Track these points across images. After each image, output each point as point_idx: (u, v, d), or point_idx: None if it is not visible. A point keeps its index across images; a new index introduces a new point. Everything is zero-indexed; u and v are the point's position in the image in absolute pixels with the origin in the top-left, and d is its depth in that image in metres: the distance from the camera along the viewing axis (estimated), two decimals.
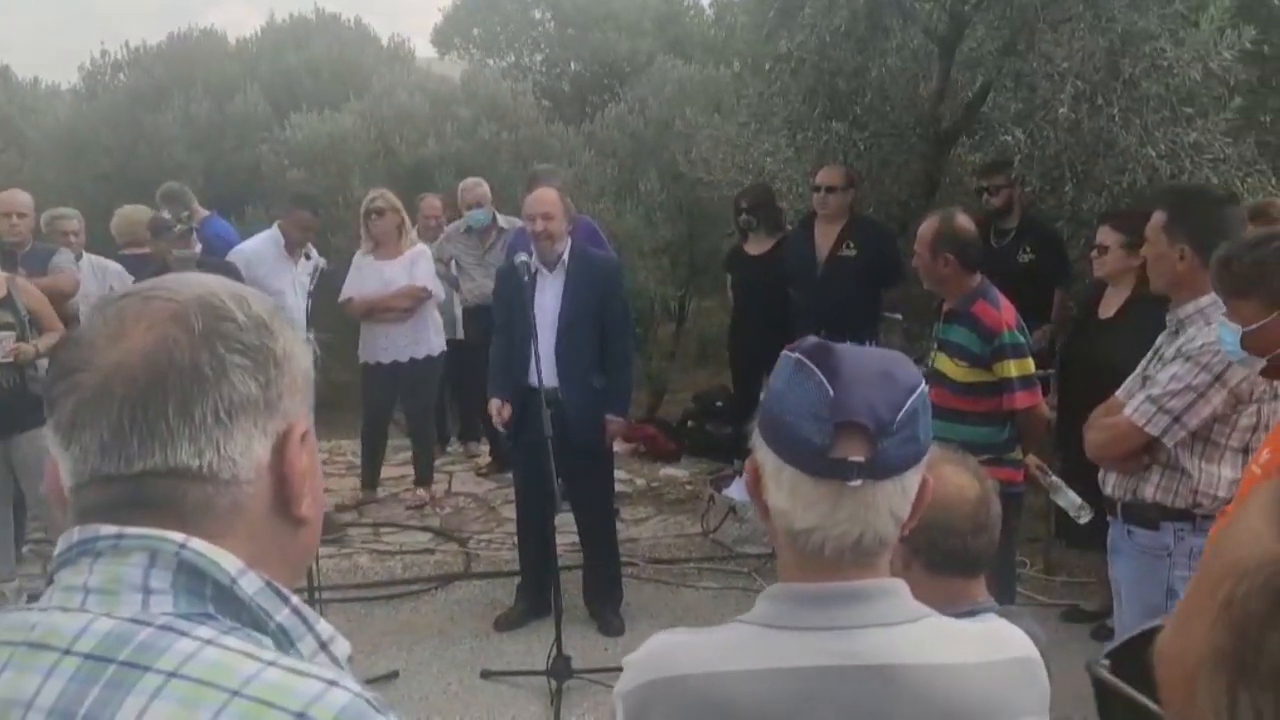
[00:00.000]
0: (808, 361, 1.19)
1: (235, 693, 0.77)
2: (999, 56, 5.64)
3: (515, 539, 5.14)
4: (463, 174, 7.39)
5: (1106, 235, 4.28)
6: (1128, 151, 4.90)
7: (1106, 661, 0.63)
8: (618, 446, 5.43)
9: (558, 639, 4.12)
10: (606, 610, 4.80)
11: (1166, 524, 2.92)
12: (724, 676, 1.19)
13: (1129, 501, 3.02)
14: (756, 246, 6.17)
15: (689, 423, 7.22)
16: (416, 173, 8.39)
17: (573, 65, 10.84)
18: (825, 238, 5.60)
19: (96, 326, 0.87)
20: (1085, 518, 3.46)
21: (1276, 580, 0.47)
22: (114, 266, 5.91)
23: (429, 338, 6.17)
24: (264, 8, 23.75)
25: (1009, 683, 1.22)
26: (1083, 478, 3.41)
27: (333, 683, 0.81)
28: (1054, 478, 3.59)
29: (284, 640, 0.85)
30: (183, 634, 0.80)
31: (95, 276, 5.77)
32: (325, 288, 6.07)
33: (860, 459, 1.14)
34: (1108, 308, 4.36)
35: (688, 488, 6.61)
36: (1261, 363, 2.57)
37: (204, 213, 6.54)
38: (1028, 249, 5.31)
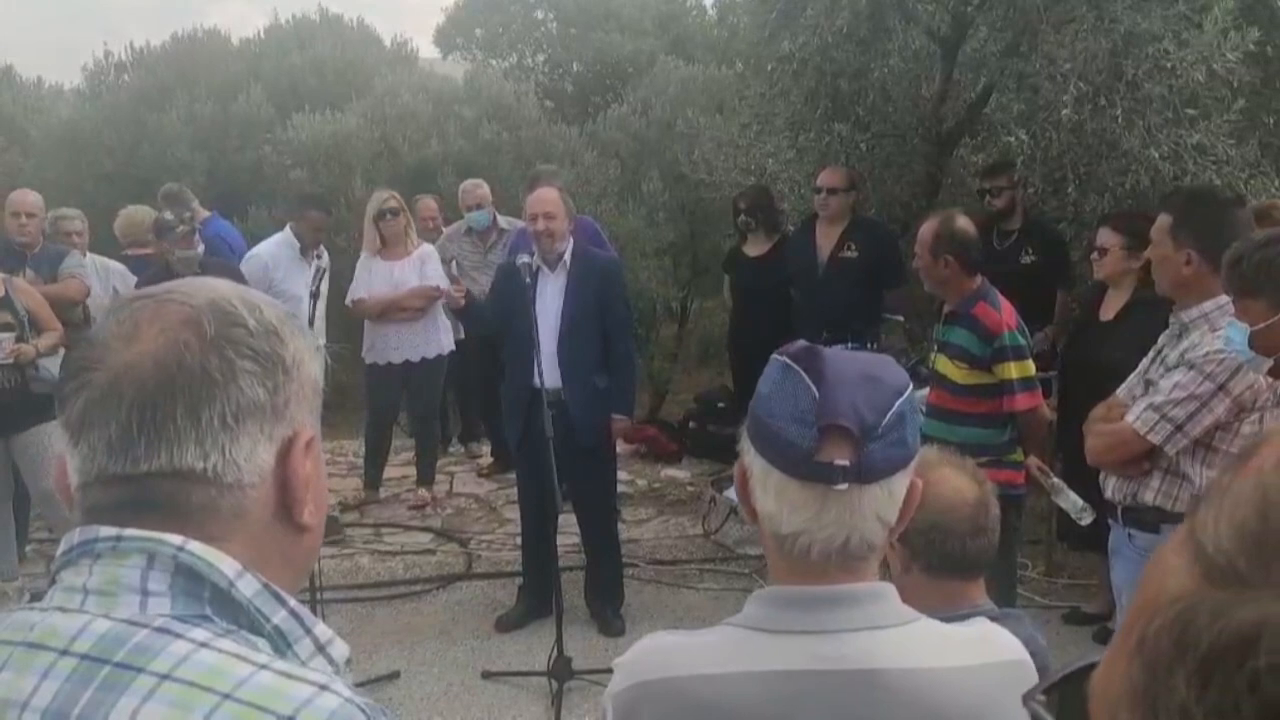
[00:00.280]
0: (794, 365, 1.19)
1: (227, 696, 0.78)
2: (1001, 58, 5.63)
3: (517, 540, 5.14)
4: (465, 174, 7.40)
5: (1106, 237, 4.27)
6: (1130, 153, 4.89)
7: (1043, 697, 0.62)
8: (619, 447, 5.44)
9: (559, 640, 4.12)
10: (608, 611, 4.80)
11: (1167, 527, 2.92)
12: (712, 679, 1.19)
13: (1129, 505, 3.02)
14: (755, 248, 6.17)
15: (690, 424, 7.22)
16: (419, 173, 8.39)
17: (575, 66, 10.83)
18: (826, 239, 5.60)
19: (110, 327, 0.88)
20: (1087, 519, 3.46)
21: (1185, 617, 0.46)
22: (116, 267, 5.92)
23: (438, 337, 6.18)
24: (266, 8, 23.82)
25: (998, 686, 1.22)
26: (1084, 479, 3.41)
27: (324, 687, 0.81)
28: (1055, 479, 3.59)
29: (280, 642, 0.86)
30: (178, 636, 0.81)
31: (99, 277, 5.78)
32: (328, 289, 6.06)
33: (845, 462, 1.13)
34: (1108, 310, 4.36)
35: (689, 489, 6.61)
36: (1269, 362, 2.57)
37: (205, 213, 6.55)
38: (1030, 251, 5.30)
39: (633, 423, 5.37)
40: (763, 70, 6.39)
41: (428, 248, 6.20)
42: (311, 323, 5.49)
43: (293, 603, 0.88)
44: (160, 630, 0.81)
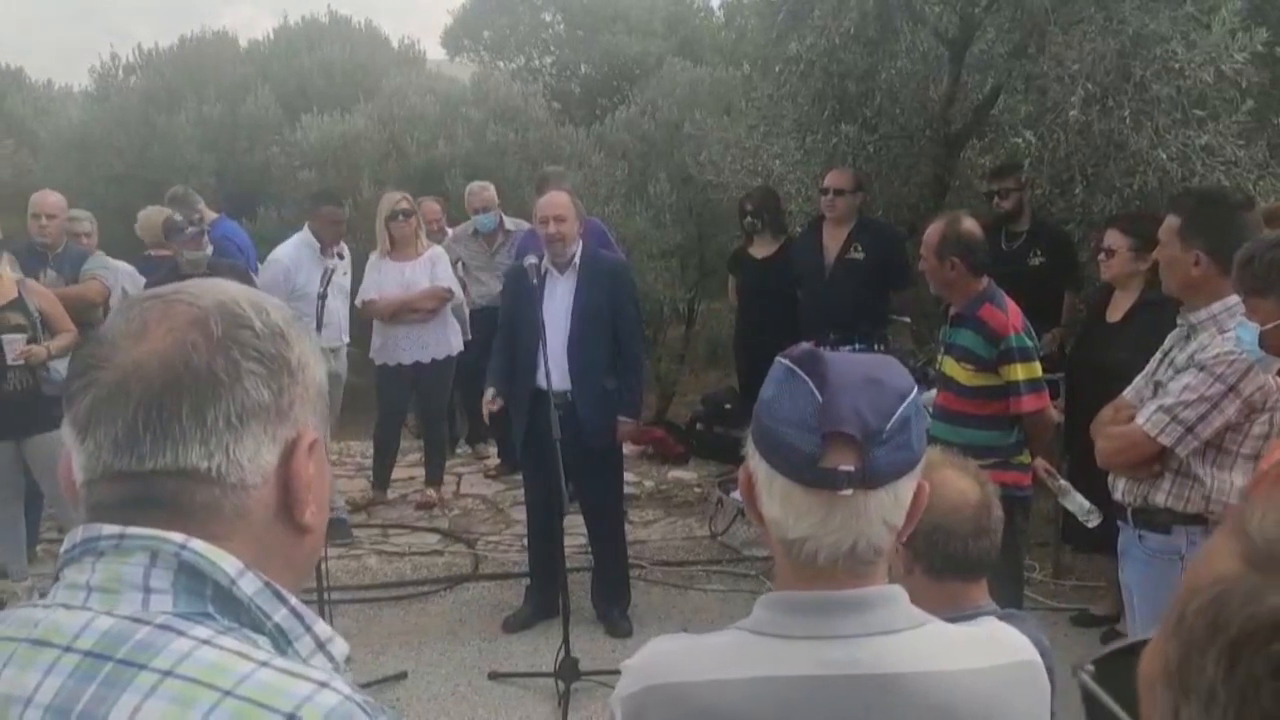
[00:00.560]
0: (797, 369, 1.19)
1: (228, 692, 0.79)
2: (1009, 59, 5.62)
3: (524, 541, 5.14)
4: (472, 175, 7.41)
5: (1114, 238, 4.26)
6: (1138, 154, 4.87)
7: (1091, 667, 0.64)
8: (626, 449, 5.44)
9: (565, 640, 4.13)
10: (614, 612, 4.80)
11: (1179, 528, 2.91)
12: (720, 684, 1.19)
13: (1140, 507, 3.01)
14: (761, 249, 6.17)
15: (697, 425, 7.22)
16: (426, 174, 8.41)
17: (583, 67, 10.84)
18: (833, 240, 5.60)
19: (119, 326, 0.89)
20: (1094, 521, 3.45)
21: (1220, 600, 0.47)
22: (124, 267, 5.94)
23: (448, 338, 6.19)
24: (276, 9, 23.87)
25: (1010, 687, 1.22)
26: (1091, 481, 3.41)
27: (324, 684, 0.82)
28: (1062, 481, 3.59)
29: (281, 640, 0.87)
30: (180, 633, 0.82)
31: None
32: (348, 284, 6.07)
33: (850, 468, 1.13)
34: (1115, 311, 4.35)
35: (696, 490, 6.61)
36: (1279, 362, 2.56)
37: (213, 215, 6.57)
38: (1038, 252, 5.29)
39: (639, 425, 5.38)
40: (770, 72, 6.39)
41: (438, 249, 6.22)
42: (319, 324, 5.51)
43: (293, 601, 0.89)
44: (162, 627, 0.82)
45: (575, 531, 4.93)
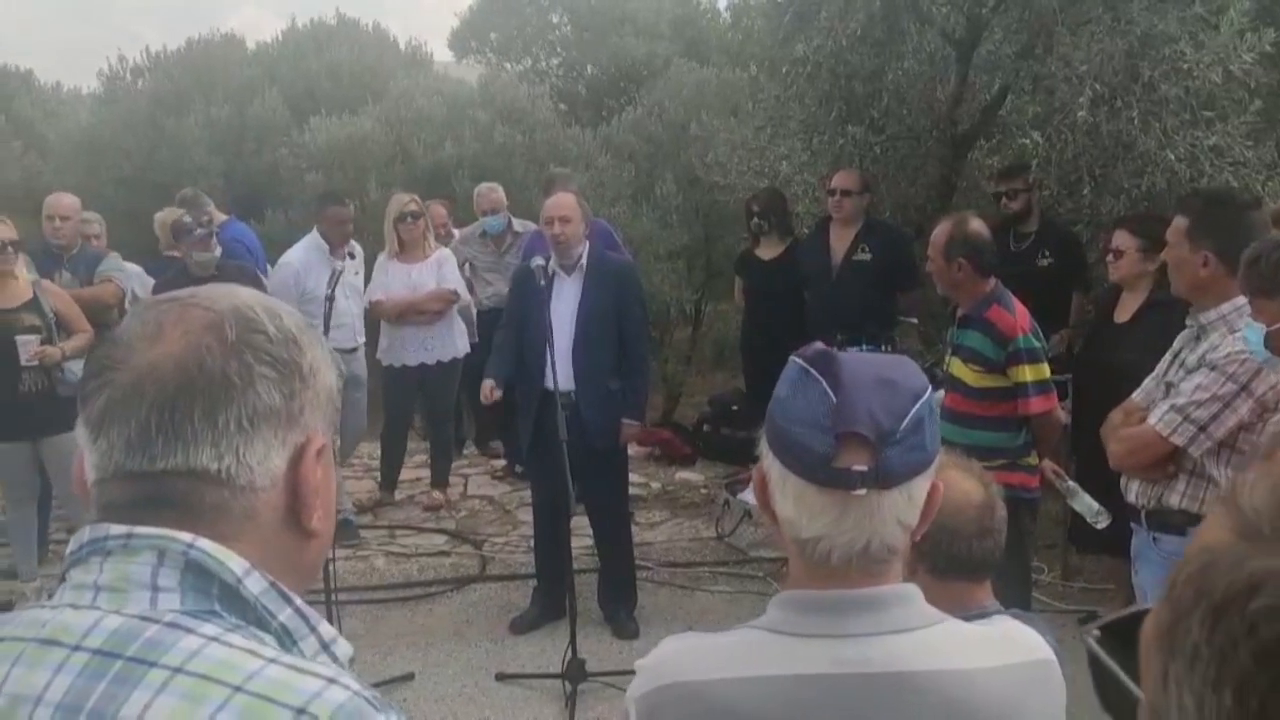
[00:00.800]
0: (811, 369, 1.19)
1: (237, 688, 0.79)
2: (1017, 59, 5.61)
3: (530, 542, 5.15)
4: (479, 177, 7.42)
5: (1122, 239, 4.25)
6: (1147, 155, 4.86)
7: (1098, 632, 0.66)
8: (632, 450, 5.44)
9: (572, 642, 4.13)
10: (621, 613, 4.81)
11: (1193, 530, 2.89)
12: (735, 682, 1.19)
13: (1154, 508, 3.00)
14: (768, 250, 6.16)
15: (704, 426, 7.22)
16: (434, 176, 8.42)
17: (589, 69, 10.84)
18: (840, 241, 5.59)
19: (135, 328, 0.90)
20: (1103, 523, 3.44)
21: (1208, 566, 0.50)
22: (133, 269, 5.97)
23: (454, 340, 6.20)
24: (283, 12, 23.91)
25: (1024, 686, 1.22)
26: (1099, 482, 3.39)
27: (332, 680, 0.83)
28: (1070, 482, 3.58)
29: (286, 639, 0.87)
30: (188, 631, 0.82)
31: None
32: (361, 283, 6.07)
33: (864, 468, 1.13)
34: (1123, 312, 4.34)
35: (703, 491, 6.61)
36: None
37: (222, 217, 6.59)
38: (1047, 253, 5.28)
39: (643, 427, 5.37)
40: (777, 73, 6.38)
41: (445, 251, 6.23)
42: (326, 326, 5.51)
43: (298, 601, 0.90)
44: (171, 625, 0.82)
45: (582, 533, 4.93)
